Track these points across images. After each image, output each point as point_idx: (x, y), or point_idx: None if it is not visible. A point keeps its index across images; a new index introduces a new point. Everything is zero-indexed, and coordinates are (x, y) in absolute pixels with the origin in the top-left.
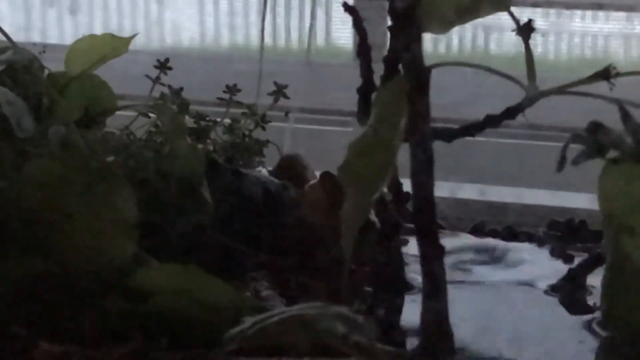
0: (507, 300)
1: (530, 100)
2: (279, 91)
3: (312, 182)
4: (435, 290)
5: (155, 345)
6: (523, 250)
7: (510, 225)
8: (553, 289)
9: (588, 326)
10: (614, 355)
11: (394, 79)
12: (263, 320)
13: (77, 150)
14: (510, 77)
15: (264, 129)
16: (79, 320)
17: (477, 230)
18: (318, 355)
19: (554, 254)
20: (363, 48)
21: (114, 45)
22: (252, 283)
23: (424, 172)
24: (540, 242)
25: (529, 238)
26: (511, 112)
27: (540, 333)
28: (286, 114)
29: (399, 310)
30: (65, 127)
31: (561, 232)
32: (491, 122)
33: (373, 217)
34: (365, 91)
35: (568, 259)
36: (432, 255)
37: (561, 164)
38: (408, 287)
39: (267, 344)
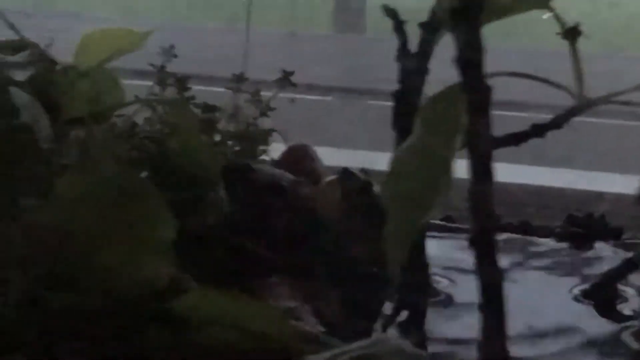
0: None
1: (578, 109)
2: (286, 77)
3: (328, 178)
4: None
5: None
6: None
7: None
8: (584, 295)
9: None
10: None
11: (449, 88)
12: None
13: (109, 165)
14: (562, 87)
15: (268, 116)
16: (122, 354)
17: None
18: None
19: (574, 250)
20: (403, 52)
21: (129, 40)
22: (273, 289)
23: (483, 185)
24: (559, 237)
25: (548, 233)
26: (558, 121)
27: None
28: (292, 101)
29: (422, 316)
30: (84, 133)
31: (580, 227)
32: (537, 131)
33: None
34: (402, 97)
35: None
36: (491, 281)
37: None
38: (433, 293)
39: None
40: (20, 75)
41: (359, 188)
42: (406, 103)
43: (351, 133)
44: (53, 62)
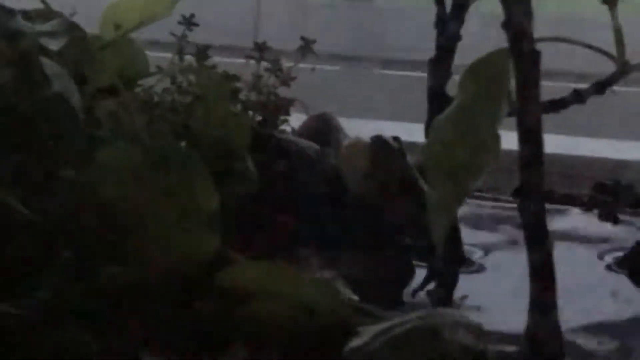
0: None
1: (620, 74)
2: (307, 46)
3: (350, 140)
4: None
5: (262, 355)
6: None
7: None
8: (618, 264)
9: None
10: None
11: (497, 50)
12: (385, 332)
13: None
14: (603, 52)
15: (288, 86)
16: (174, 328)
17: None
18: None
19: (602, 218)
20: (441, 18)
21: (155, 9)
22: (304, 261)
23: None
24: (586, 207)
25: (574, 202)
26: (600, 87)
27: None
28: (312, 69)
29: (454, 285)
30: (115, 104)
31: (608, 195)
32: (578, 97)
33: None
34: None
35: (617, 223)
36: (540, 252)
37: None
38: (468, 263)
39: (393, 358)
40: (50, 45)
41: (393, 156)
42: (441, 71)
43: (362, 103)
44: (83, 32)
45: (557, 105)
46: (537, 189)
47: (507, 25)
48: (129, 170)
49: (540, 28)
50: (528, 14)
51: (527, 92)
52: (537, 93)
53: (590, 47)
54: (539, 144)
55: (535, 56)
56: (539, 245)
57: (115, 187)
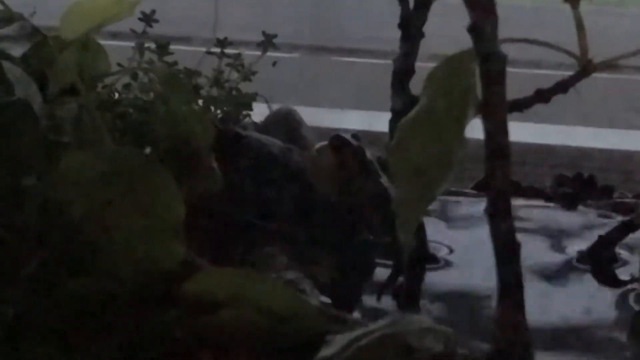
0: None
1: (582, 74)
2: (268, 40)
3: (319, 145)
4: (511, 291)
5: None
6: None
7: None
8: (580, 259)
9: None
10: None
11: (462, 52)
12: (355, 341)
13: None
14: (566, 52)
15: (250, 80)
16: (142, 339)
17: (480, 187)
18: None
19: (564, 210)
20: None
21: (117, 9)
22: (269, 260)
23: (499, 155)
24: (548, 199)
25: (537, 194)
26: (563, 87)
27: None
28: (274, 64)
29: (419, 282)
30: (77, 107)
31: (570, 188)
32: (542, 97)
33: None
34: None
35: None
36: (508, 253)
37: None
38: (431, 259)
39: None
40: (12, 49)
41: (352, 154)
42: (405, 67)
43: (323, 91)
44: (44, 35)
45: (521, 105)
46: (503, 195)
47: (471, 29)
48: (92, 179)
49: (510, 18)
50: (493, 19)
51: (493, 93)
52: (503, 94)
53: (552, 46)
54: (505, 148)
55: (501, 58)
56: (509, 262)
57: (79, 198)
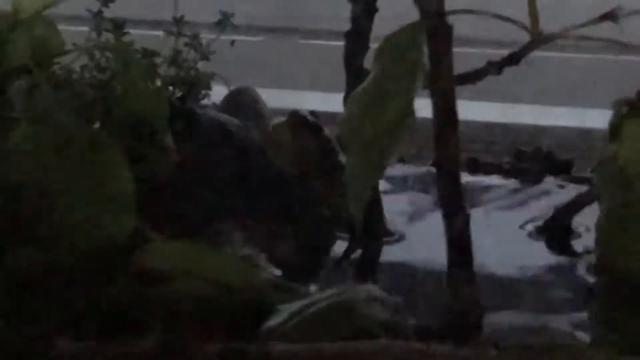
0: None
1: (533, 44)
2: (225, 19)
3: (276, 122)
4: (461, 262)
5: (180, 336)
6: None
7: (474, 156)
8: (538, 231)
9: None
10: (608, 301)
11: (411, 24)
12: (302, 310)
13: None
14: (515, 22)
15: (208, 60)
16: (89, 310)
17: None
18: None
19: (523, 185)
20: None
21: None
22: (225, 236)
23: (447, 125)
24: (507, 174)
25: (495, 169)
26: (514, 58)
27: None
28: (232, 43)
29: (376, 256)
30: (28, 84)
31: (529, 163)
32: (493, 68)
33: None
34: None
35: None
36: (457, 223)
37: None
38: (388, 233)
39: (309, 336)
40: None
41: (309, 130)
42: (358, 43)
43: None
44: None
45: (472, 76)
46: (451, 163)
47: (417, 0)
48: (40, 151)
49: None
50: None
51: (439, 65)
52: (450, 66)
53: (502, 18)
54: (453, 117)
55: (447, 30)
56: (454, 218)
57: (27, 169)
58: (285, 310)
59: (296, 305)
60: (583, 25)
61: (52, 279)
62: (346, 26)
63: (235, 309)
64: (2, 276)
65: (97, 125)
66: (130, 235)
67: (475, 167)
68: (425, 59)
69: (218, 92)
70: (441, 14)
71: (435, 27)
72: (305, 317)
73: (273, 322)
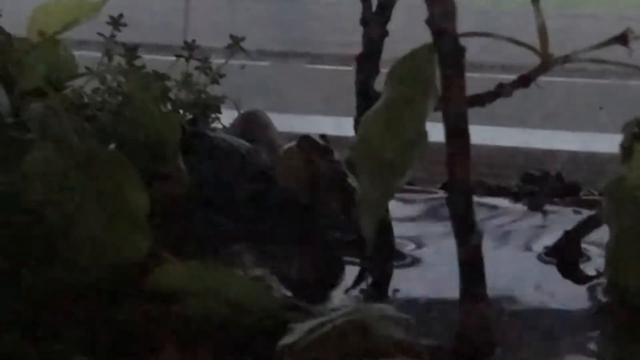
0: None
1: (544, 67)
2: (235, 43)
3: (288, 146)
4: (474, 283)
5: (192, 354)
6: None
7: (482, 179)
8: (548, 254)
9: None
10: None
11: (423, 46)
12: (316, 328)
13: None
14: (527, 46)
15: (218, 84)
16: (104, 329)
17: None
18: None
19: (531, 208)
20: (366, 15)
21: (82, 11)
22: (237, 258)
23: (459, 146)
24: (515, 197)
25: (503, 193)
26: (525, 80)
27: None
28: (242, 67)
29: (387, 279)
30: (43, 107)
31: (537, 186)
32: (504, 91)
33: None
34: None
35: (545, 213)
36: (468, 244)
37: None
38: (398, 255)
39: (323, 355)
40: None
41: (320, 154)
42: (369, 66)
43: (292, 98)
44: (9, 37)
45: (483, 98)
46: (463, 184)
47: (429, 22)
48: (56, 173)
49: (467, 20)
50: (451, 12)
51: (452, 87)
52: (462, 88)
53: (513, 41)
54: (465, 138)
55: (459, 52)
56: (466, 238)
57: (43, 191)
58: (299, 329)
59: (310, 324)
60: (593, 47)
61: (70, 297)
62: (352, 51)
63: (249, 329)
64: (20, 294)
65: (112, 147)
66: (146, 256)
67: (484, 190)
68: (437, 81)
69: (228, 115)
70: (454, 36)
71: (447, 49)
72: (319, 335)
73: (288, 340)
